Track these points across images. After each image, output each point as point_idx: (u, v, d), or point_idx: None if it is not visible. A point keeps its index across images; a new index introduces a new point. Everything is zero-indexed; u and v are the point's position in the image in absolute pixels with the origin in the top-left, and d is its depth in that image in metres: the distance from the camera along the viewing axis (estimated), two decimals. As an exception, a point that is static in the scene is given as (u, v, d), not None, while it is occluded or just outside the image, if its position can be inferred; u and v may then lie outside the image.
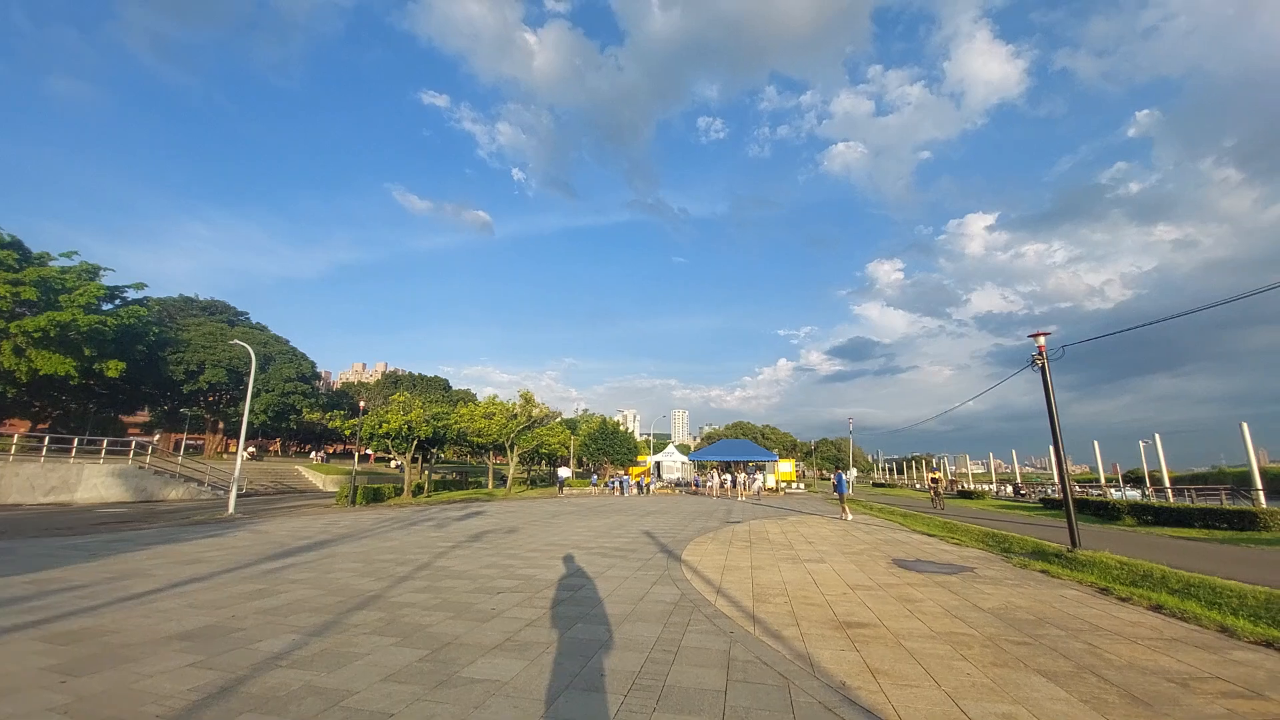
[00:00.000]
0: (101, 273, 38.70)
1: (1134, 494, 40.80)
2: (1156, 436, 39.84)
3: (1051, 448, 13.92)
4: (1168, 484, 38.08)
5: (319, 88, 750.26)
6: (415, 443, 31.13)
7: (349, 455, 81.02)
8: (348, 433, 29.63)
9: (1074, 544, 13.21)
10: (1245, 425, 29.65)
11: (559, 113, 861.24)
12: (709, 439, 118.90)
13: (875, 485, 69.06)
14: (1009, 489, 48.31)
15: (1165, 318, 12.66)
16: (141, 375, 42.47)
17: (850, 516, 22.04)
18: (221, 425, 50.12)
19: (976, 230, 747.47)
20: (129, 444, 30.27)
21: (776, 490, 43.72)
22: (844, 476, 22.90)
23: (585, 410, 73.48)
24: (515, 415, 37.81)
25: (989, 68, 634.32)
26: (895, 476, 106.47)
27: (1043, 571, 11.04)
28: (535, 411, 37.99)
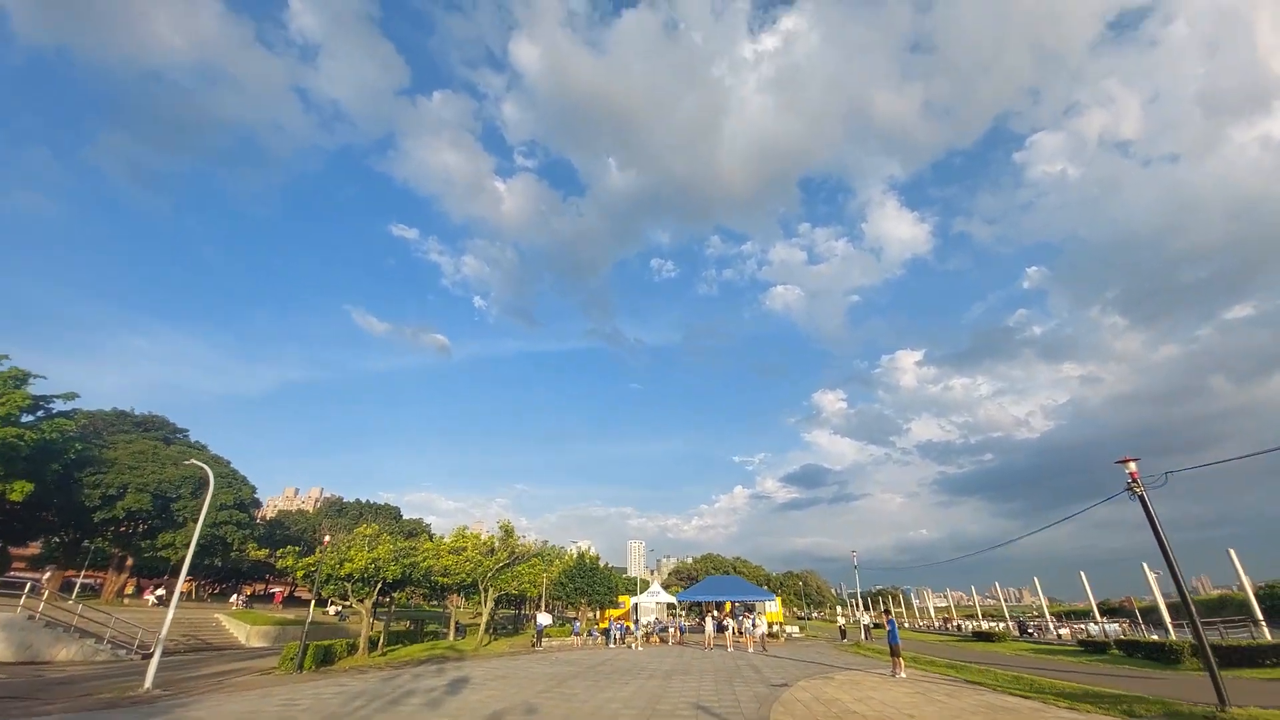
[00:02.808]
0: (30, 380, 34.36)
1: (1113, 627, 38.96)
2: (1145, 565, 38.75)
3: (1173, 580, 12.48)
4: (1166, 616, 36.32)
5: (290, 215, 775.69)
6: (379, 586, 26.52)
7: (267, 598, 70.30)
8: (300, 574, 24.93)
9: (1223, 702, 11.39)
10: (1233, 552, 29.08)
11: (523, 249, 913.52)
12: (677, 573, 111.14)
13: (875, 626, 64.21)
14: (1013, 627, 45.36)
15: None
16: (48, 499, 36.26)
17: (904, 674, 19.19)
18: (130, 562, 42.48)
19: (908, 365, 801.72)
20: (21, 586, 24.58)
21: (776, 635, 39.41)
22: (896, 626, 20.19)
23: (546, 542, 67.59)
24: (493, 550, 33.47)
25: (900, 229, 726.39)
26: (859, 611, 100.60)
27: (1238, 754, 9.00)
28: (519, 547, 33.80)
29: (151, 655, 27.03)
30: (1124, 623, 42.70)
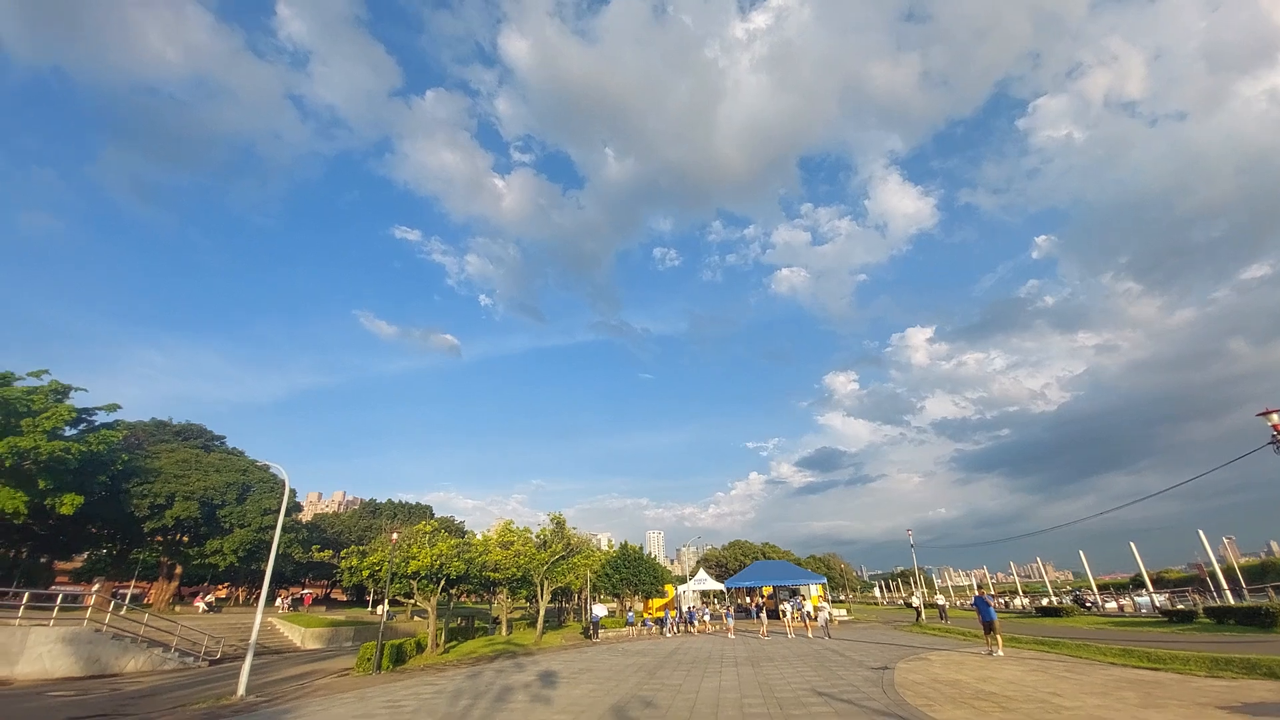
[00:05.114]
0: (72, 393, 34.30)
1: (1161, 598, 37.75)
2: (1200, 533, 36.94)
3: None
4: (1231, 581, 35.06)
5: (295, 224, 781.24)
6: (442, 583, 26.20)
7: (298, 601, 70.31)
8: (365, 574, 24.65)
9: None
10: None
11: (525, 245, 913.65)
12: (706, 561, 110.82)
13: (907, 605, 63.44)
14: (1068, 601, 44.39)
15: None
16: (95, 511, 36.27)
17: (1002, 651, 18.53)
18: (179, 570, 42.64)
19: (918, 342, 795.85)
20: (80, 599, 24.47)
21: (831, 619, 38.80)
22: (987, 600, 19.48)
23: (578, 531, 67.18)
24: (547, 543, 33.06)
25: (904, 204, 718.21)
26: (889, 593, 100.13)
27: None
28: (574, 539, 33.37)
29: (221, 661, 27.05)
30: (1168, 593, 41.50)
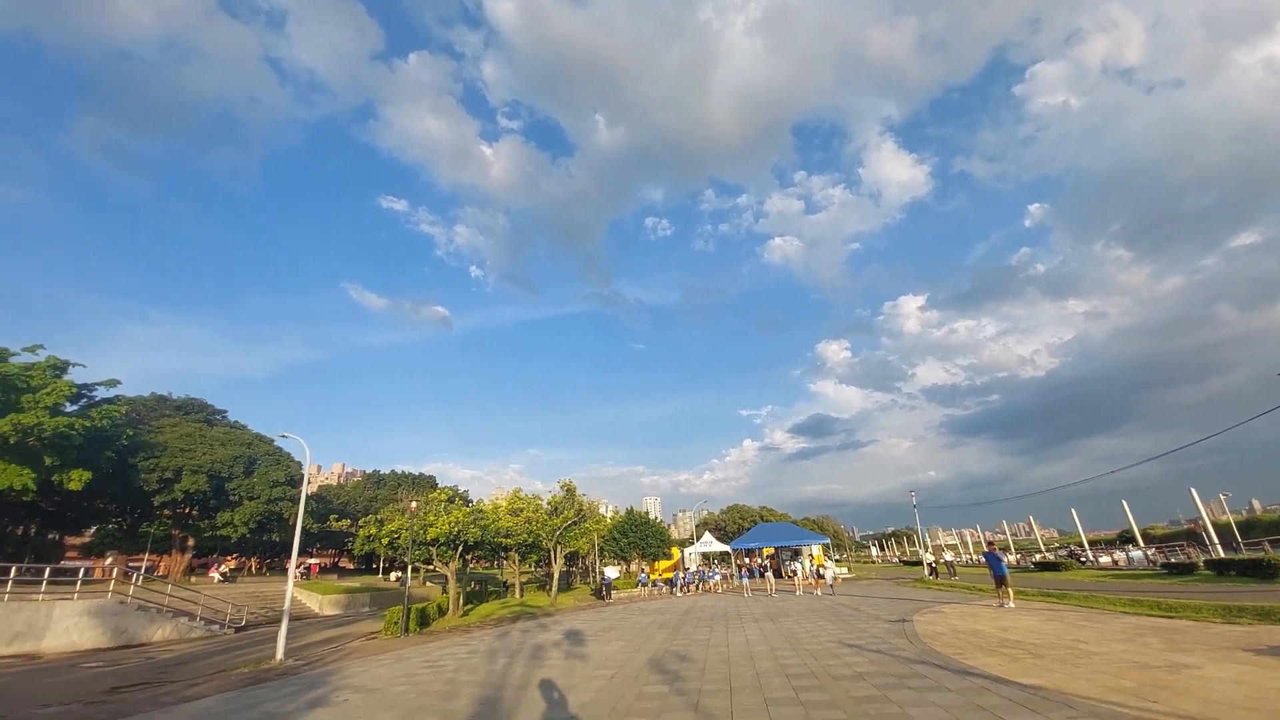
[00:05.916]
0: (70, 369, 33.93)
1: (1136, 553, 39.31)
2: (1193, 490, 37.96)
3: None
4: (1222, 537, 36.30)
5: (277, 193, 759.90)
6: (460, 549, 26.61)
7: (304, 570, 71.37)
8: (385, 541, 25.05)
9: None
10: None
11: (514, 214, 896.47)
12: (705, 524, 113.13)
13: (904, 563, 65.52)
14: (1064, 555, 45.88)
15: None
16: (103, 487, 36.38)
17: (1013, 604, 19.16)
18: (192, 543, 43.07)
19: (910, 310, 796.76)
20: (91, 572, 24.78)
21: (837, 578, 39.91)
22: (998, 555, 20.08)
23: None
24: (558, 510, 33.56)
25: (898, 172, 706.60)
26: (884, 552, 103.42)
27: None
28: (585, 505, 33.89)
29: (246, 628, 27.57)
30: (1156, 547, 42.91)
